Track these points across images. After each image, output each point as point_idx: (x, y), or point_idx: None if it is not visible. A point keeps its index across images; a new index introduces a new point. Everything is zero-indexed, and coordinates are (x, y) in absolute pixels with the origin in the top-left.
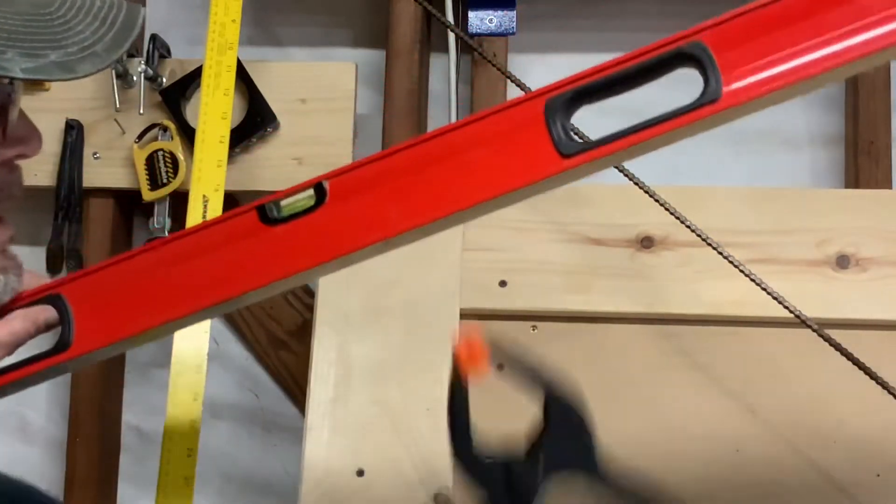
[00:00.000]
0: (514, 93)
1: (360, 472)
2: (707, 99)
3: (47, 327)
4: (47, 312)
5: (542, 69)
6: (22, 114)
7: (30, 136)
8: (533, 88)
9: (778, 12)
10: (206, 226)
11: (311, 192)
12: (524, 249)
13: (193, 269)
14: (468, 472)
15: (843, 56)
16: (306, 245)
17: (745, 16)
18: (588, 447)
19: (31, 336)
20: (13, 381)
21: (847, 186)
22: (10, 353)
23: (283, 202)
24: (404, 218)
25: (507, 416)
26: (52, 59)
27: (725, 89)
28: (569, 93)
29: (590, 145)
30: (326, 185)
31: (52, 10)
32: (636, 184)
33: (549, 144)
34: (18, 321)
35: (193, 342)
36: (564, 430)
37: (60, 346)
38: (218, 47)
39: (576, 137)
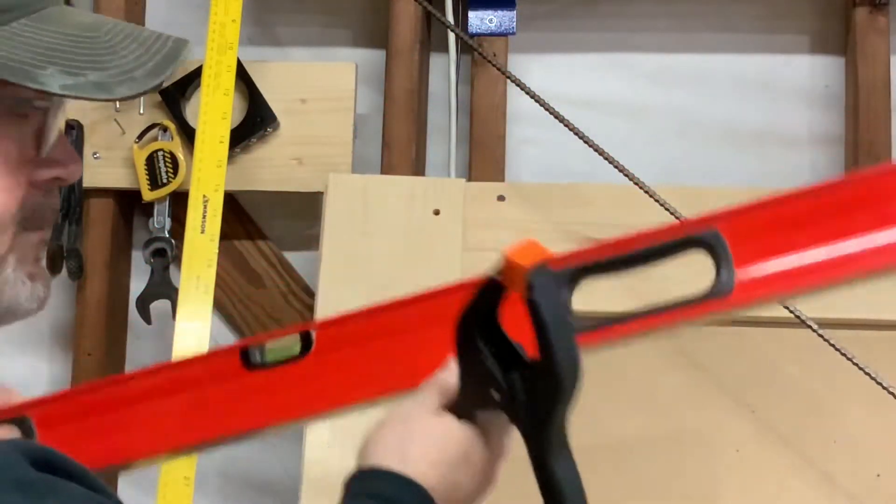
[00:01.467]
0: (514, 92)
1: None
2: (717, 292)
3: None
4: (13, 433)
5: (542, 69)
6: (61, 137)
7: (67, 160)
8: (533, 88)
9: (802, 208)
10: (185, 364)
11: (297, 338)
12: None
13: (168, 407)
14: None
15: (865, 265)
16: (287, 397)
17: (765, 209)
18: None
19: None
20: None
21: None
22: None
23: (269, 346)
24: (395, 380)
25: None
26: (91, 78)
27: (738, 284)
28: (571, 270)
29: (588, 327)
30: (314, 334)
31: (99, 35)
32: (636, 184)
33: None
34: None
35: (193, 342)
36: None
37: None
38: (218, 47)
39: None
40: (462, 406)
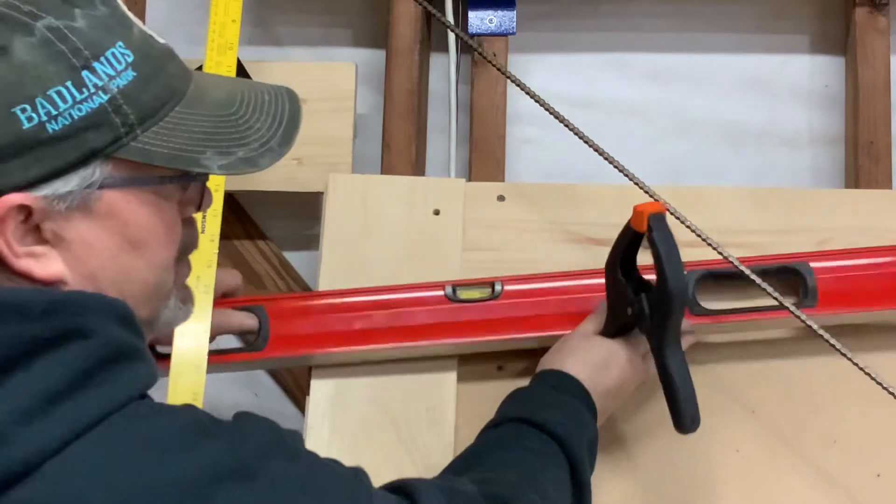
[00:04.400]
0: (514, 93)
1: None
2: (804, 305)
3: (247, 332)
4: (252, 320)
5: (542, 69)
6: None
7: (205, 200)
8: (533, 88)
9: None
10: (397, 289)
11: (489, 286)
12: (524, 249)
13: (382, 317)
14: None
15: None
16: (477, 325)
17: (850, 260)
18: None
19: (234, 333)
20: (215, 363)
21: (847, 186)
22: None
23: (462, 289)
24: (558, 324)
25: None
26: (240, 155)
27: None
28: (703, 272)
29: (708, 314)
30: (500, 286)
31: (234, 111)
32: (636, 184)
33: None
34: (245, 318)
35: (193, 342)
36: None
37: (255, 347)
38: (218, 47)
39: (702, 305)
40: (607, 332)
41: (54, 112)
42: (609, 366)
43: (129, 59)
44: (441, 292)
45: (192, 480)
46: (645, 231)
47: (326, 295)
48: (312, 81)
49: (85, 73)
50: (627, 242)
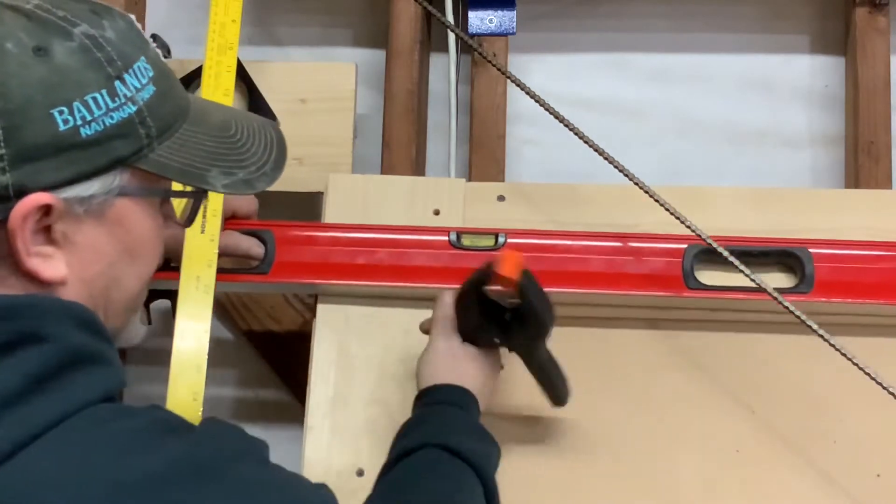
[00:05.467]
0: (514, 92)
1: (360, 472)
2: (797, 290)
3: (253, 258)
4: (260, 248)
5: (541, 69)
6: None
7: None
8: (533, 88)
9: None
10: (403, 230)
11: (492, 236)
12: None
13: (385, 255)
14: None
15: None
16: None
17: (853, 250)
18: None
19: (241, 256)
20: (221, 281)
21: (847, 186)
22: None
23: (466, 236)
24: (556, 280)
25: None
26: (241, 177)
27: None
28: (702, 247)
29: (704, 288)
30: (504, 238)
31: (233, 134)
32: (636, 184)
33: (679, 275)
34: (254, 245)
35: (193, 342)
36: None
37: (260, 270)
38: (218, 47)
39: (698, 279)
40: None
41: (89, 117)
42: (491, 374)
43: (150, 75)
44: (445, 238)
45: (153, 478)
46: (515, 289)
47: (334, 227)
48: (312, 81)
49: (117, 83)
50: (481, 280)
